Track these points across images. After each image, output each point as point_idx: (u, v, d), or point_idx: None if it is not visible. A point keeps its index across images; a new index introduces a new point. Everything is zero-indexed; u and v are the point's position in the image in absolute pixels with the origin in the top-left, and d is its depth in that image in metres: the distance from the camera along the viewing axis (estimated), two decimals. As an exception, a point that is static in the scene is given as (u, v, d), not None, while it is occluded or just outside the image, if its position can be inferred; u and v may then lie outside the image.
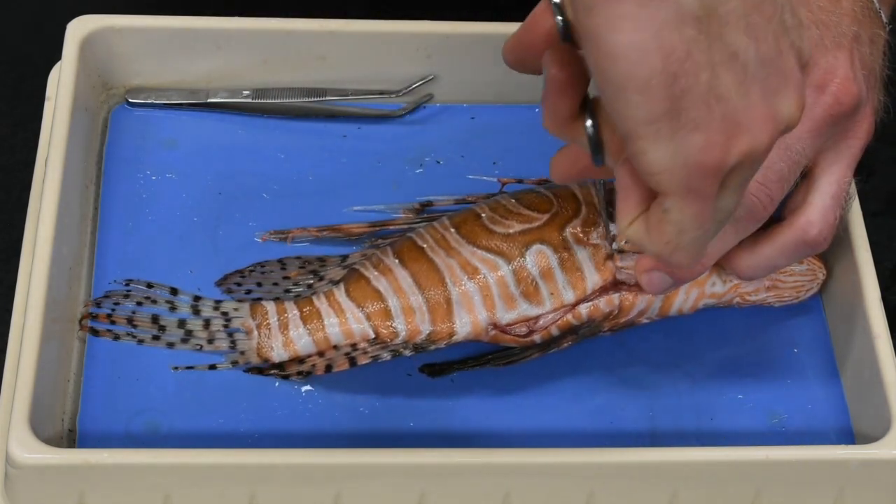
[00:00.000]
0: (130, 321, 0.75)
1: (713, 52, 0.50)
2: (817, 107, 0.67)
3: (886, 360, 0.72)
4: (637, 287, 0.72)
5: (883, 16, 0.71)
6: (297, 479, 0.68)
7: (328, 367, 0.73)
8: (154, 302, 0.75)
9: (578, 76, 0.55)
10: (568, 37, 0.54)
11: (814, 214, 0.69)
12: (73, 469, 0.67)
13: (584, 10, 0.50)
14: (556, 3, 0.54)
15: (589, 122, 0.55)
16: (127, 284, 0.76)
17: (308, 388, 0.74)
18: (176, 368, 0.74)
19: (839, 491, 0.70)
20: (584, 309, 0.73)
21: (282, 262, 0.77)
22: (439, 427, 0.73)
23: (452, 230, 0.74)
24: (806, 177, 0.70)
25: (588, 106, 0.55)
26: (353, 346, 0.73)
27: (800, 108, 0.53)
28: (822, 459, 0.70)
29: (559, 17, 0.54)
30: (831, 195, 0.70)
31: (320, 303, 0.74)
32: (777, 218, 0.70)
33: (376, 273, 0.74)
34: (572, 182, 0.72)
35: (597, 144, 0.55)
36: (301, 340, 0.73)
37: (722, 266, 0.72)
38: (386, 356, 0.72)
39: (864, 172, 0.72)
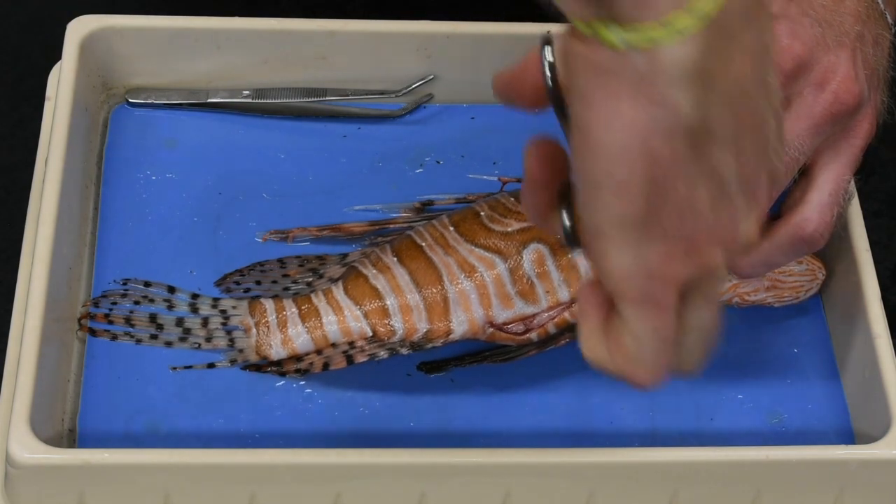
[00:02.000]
0: (128, 320, 0.75)
1: (697, 166, 0.49)
2: (817, 105, 0.67)
3: (886, 360, 0.72)
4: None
5: (888, 17, 0.70)
6: (297, 479, 0.68)
7: (326, 365, 0.73)
8: (152, 301, 0.75)
9: (557, 172, 0.54)
10: (555, 97, 0.52)
11: (811, 211, 0.69)
12: (73, 469, 0.67)
13: (578, 97, 0.49)
14: (549, 62, 0.52)
15: (566, 217, 0.54)
16: (124, 284, 0.76)
17: (308, 388, 0.74)
18: (174, 369, 0.74)
19: (839, 491, 0.70)
20: (581, 307, 0.73)
21: (281, 262, 0.77)
22: (439, 427, 0.73)
23: (451, 228, 0.74)
24: (805, 174, 0.70)
25: (566, 196, 0.54)
26: (351, 344, 0.73)
27: (757, 232, 0.52)
28: (822, 459, 0.70)
29: (548, 75, 0.52)
30: (829, 193, 0.70)
31: (319, 301, 0.74)
32: (775, 215, 0.70)
33: (375, 271, 0.74)
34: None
35: (571, 237, 0.54)
36: (299, 338, 0.73)
37: None
38: (383, 354, 0.72)
39: (864, 172, 0.72)
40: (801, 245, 0.70)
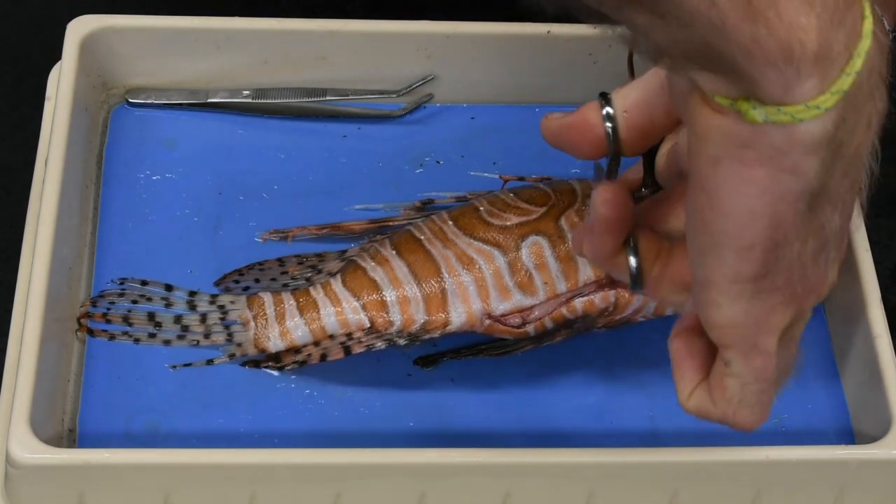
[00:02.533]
0: (126, 319, 0.75)
1: (811, 226, 0.51)
2: None
3: (886, 360, 0.72)
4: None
5: (886, 23, 0.70)
6: (297, 479, 0.68)
7: (323, 357, 0.73)
8: (149, 299, 0.75)
9: (626, 217, 0.55)
10: (614, 145, 0.56)
11: None
12: (73, 469, 0.67)
13: (709, 162, 0.50)
14: (608, 114, 0.56)
15: (633, 261, 0.56)
16: (121, 283, 0.76)
17: (308, 388, 0.74)
18: (174, 367, 0.74)
19: (839, 491, 0.70)
20: (579, 303, 0.73)
21: (280, 261, 0.77)
22: (439, 427, 0.73)
23: (450, 223, 0.75)
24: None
25: (631, 239, 0.56)
26: (349, 335, 0.73)
27: (839, 272, 0.55)
28: (822, 459, 0.70)
29: (609, 126, 0.56)
30: None
31: (317, 293, 0.74)
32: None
33: (373, 264, 0.74)
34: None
35: (637, 280, 0.56)
36: (298, 330, 0.73)
37: None
38: (381, 345, 0.73)
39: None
40: None
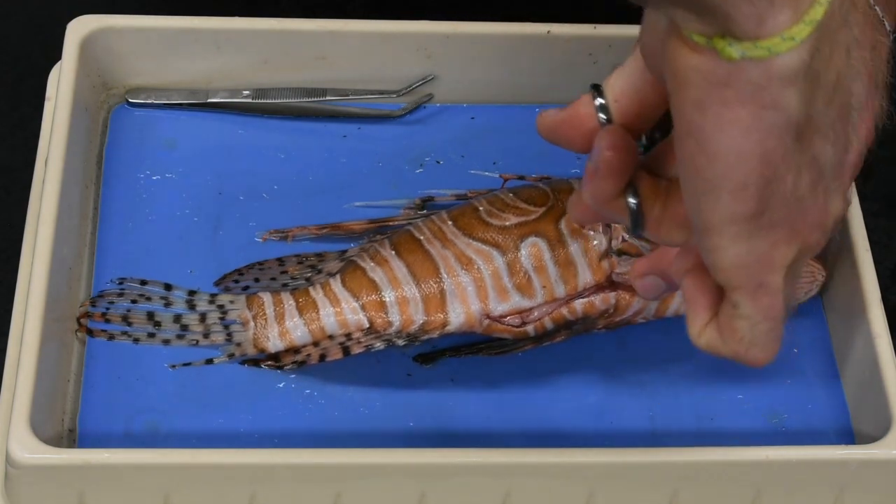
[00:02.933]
0: (125, 319, 0.75)
1: (802, 158, 0.51)
2: None
3: (886, 360, 0.72)
4: (633, 289, 0.72)
5: (886, 24, 0.70)
6: (297, 479, 0.68)
7: (322, 357, 0.73)
8: (148, 299, 0.75)
9: (629, 160, 0.56)
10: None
11: None
12: (73, 469, 0.67)
13: (692, 106, 0.50)
14: (601, 105, 0.56)
15: (633, 201, 0.56)
16: (120, 283, 0.76)
17: (308, 388, 0.74)
18: (174, 366, 0.74)
19: (839, 491, 0.70)
20: (579, 304, 0.73)
21: (280, 260, 0.77)
22: (439, 427, 0.73)
23: (450, 223, 0.75)
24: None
25: (631, 183, 0.56)
26: (348, 335, 0.73)
27: (846, 204, 0.55)
28: (822, 459, 0.70)
29: (602, 116, 0.56)
30: None
31: (316, 293, 0.74)
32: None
33: (372, 264, 0.74)
34: (593, 223, 0.73)
35: (638, 221, 0.56)
36: (297, 330, 0.73)
37: None
38: (379, 345, 0.73)
39: (864, 173, 0.72)
40: None
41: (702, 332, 0.57)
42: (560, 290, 0.73)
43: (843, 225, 0.76)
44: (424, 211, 0.79)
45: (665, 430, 0.73)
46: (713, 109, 0.49)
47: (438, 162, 0.83)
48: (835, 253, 0.77)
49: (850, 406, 0.75)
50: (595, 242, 0.73)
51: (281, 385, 0.74)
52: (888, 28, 0.71)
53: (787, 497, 0.70)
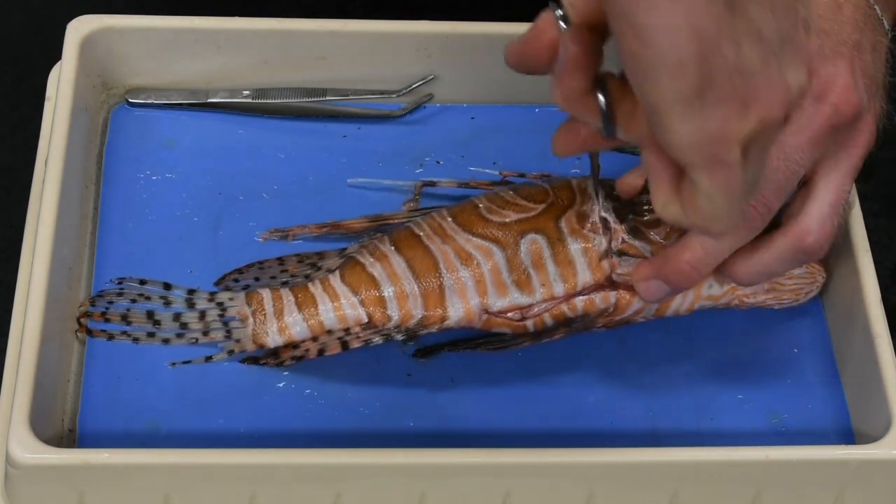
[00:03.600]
0: (125, 318, 0.75)
1: (738, 28, 0.52)
2: (817, 116, 0.67)
3: (886, 360, 0.72)
4: (633, 288, 0.72)
5: (885, 23, 0.70)
6: (297, 479, 0.68)
7: (321, 352, 0.73)
8: (148, 298, 0.75)
9: (594, 54, 0.57)
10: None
11: (811, 222, 0.69)
12: (73, 469, 0.67)
13: None
14: (561, 16, 0.57)
15: (602, 98, 0.57)
16: (119, 283, 0.76)
17: (308, 388, 0.74)
18: (173, 364, 0.74)
19: (839, 491, 0.70)
20: (579, 302, 0.73)
21: (280, 260, 0.77)
22: (439, 427, 0.73)
23: (449, 219, 0.75)
24: (805, 184, 0.70)
25: (600, 82, 0.58)
26: (347, 330, 0.73)
27: (807, 77, 0.55)
28: (822, 459, 0.70)
29: (563, 26, 0.57)
30: (829, 203, 0.69)
31: (315, 289, 0.74)
32: (776, 223, 0.70)
33: (372, 259, 0.74)
34: (574, 155, 0.74)
35: (609, 118, 0.58)
36: (296, 326, 0.73)
37: (719, 271, 0.72)
38: (378, 340, 0.73)
39: (864, 173, 0.72)
40: (800, 256, 0.70)
41: (666, 205, 0.58)
42: (559, 289, 0.73)
43: (843, 225, 0.76)
44: (423, 209, 0.79)
45: (665, 430, 0.74)
46: None
47: (438, 162, 0.83)
48: (835, 253, 0.77)
49: (850, 406, 0.75)
50: (595, 242, 0.73)
51: (281, 385, 0.74)
52: (888, 28, 0.71)
53: (787, 497, 0.70)
